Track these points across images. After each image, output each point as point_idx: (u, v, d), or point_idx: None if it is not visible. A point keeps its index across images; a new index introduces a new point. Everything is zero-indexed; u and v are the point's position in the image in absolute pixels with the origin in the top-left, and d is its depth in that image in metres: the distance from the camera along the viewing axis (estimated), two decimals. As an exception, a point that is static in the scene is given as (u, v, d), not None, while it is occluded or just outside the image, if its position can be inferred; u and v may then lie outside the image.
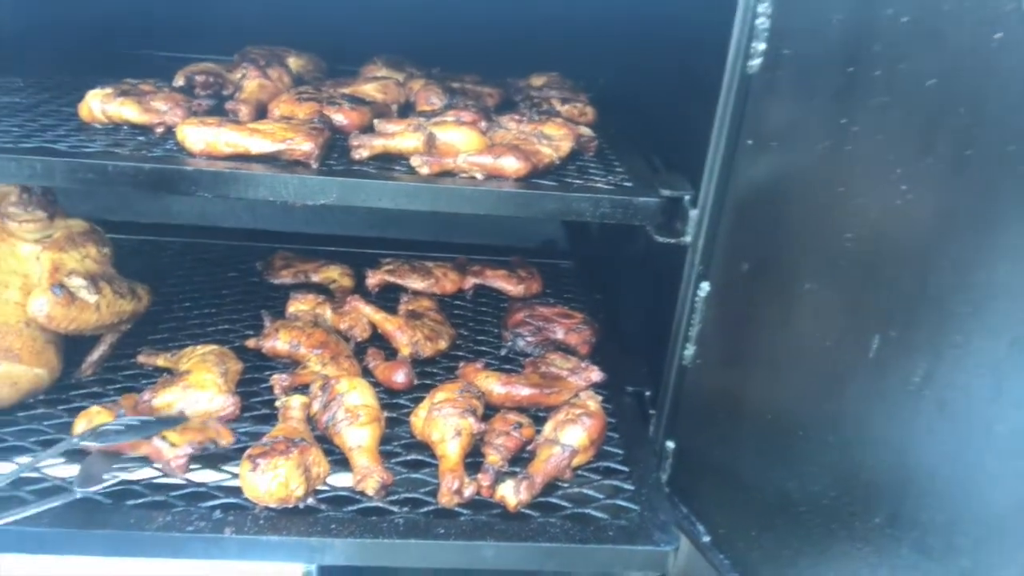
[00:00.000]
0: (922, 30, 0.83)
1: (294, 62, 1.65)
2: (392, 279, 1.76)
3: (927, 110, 0.83)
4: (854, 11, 0.90)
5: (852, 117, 0.91)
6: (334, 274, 1.79)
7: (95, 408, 1.21)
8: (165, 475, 1.15)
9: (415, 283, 1.75)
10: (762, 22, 1.02)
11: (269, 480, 1.09)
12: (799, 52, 0.98)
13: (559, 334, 1.59)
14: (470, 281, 1.81)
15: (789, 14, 0.99)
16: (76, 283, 1.29)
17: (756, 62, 1.04)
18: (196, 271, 1.83)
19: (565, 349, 1.56)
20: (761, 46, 1.03)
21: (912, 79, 0.84)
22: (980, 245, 0.79)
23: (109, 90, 1.32)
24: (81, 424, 1.19)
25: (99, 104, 1.30)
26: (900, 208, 0.86)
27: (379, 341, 1.55)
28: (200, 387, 1.28)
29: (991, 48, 0.76)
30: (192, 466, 1.17)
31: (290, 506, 1.11)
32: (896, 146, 0.87)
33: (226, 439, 1.19)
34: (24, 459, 1.15)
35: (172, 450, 1.13)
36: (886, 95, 0.87)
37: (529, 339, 1.58)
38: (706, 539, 1.17)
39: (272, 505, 1.10)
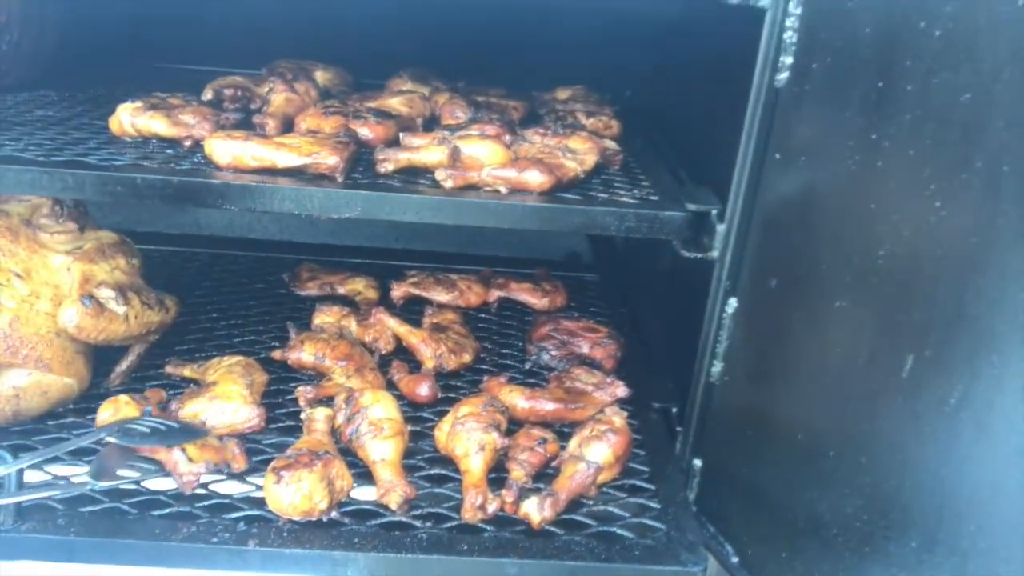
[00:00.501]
0: (956, 44, 0.81)
1: (321, 76, 1.66)
2: (417, 292, 1.76)
3: (962, 125, 0.81)
4: (885, 25, 0.89)
5: (883, 132, 0.89)
6: (359, 286, 1.79)
7: (123, 398, 1.22)
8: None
9: (440, 296, 1.76)
10: (790, 36, 1.01)
11: (293, 493, 1.09)
12: (828, 66, 0.97)
13: (584, 348, 1.57)
14: (494, 294, 1.80)
15: (818, 28, 0.98)
16: (105, 294, 1.30)
17: (784, 76, 1.03)
18: (223, 283, 1.85)
19: (590, 364, 1.55)
20: (789, 59, 1.02)
21: (946, 93, 0.83)
22: (1018, 262, 0.78)
23: (139, 103, 1.34)
24: (107, 412, 1.20)
25: (129, 117, 1.32)
26: (934, 224, 0.85)
27: (403, 354, 1.55)
28: (226, 398, 1.28)
29: (1029, 61, 0.75)
30: (217, 477, 1.17)
31: (313, 519, 1.11)
32: (930, 162, 0.85)
33: (240, 465, 1.19)
34: (55, 468, 1.17)
35: (188, 465, 1.14)
36: (919, 110, 0.85)
37: (553, 353, 1.57)
38: (734, 560, 1.15)
39: (296, 518, 1.10)
